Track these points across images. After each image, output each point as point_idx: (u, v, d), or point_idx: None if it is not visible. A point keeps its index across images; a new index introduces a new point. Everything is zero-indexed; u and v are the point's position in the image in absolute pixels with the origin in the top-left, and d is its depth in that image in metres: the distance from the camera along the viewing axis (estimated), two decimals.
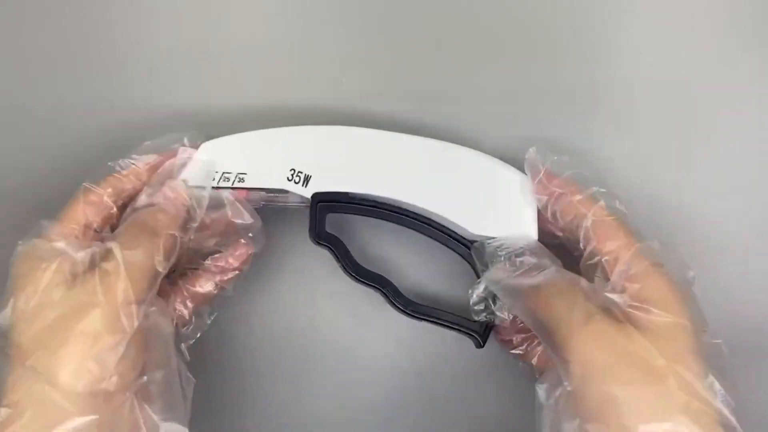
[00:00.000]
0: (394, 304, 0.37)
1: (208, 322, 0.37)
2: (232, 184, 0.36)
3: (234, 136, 0.37)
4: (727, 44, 0.41)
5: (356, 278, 0.37)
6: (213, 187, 0.36)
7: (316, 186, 0.36)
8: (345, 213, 0.37)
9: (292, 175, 0.36)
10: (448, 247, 0.37)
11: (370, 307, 0.41)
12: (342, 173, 0.36)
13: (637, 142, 0.41)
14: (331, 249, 0.36)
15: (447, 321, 0.37)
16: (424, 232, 0.37)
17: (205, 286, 0.36)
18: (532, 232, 0.35)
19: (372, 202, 0.36)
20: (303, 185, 0.36)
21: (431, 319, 0.37)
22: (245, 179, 0.36)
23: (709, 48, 0.41)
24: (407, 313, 0.37)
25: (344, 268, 0.37)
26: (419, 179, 0.36)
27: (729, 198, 0.40)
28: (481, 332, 0.36)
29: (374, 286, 0.37)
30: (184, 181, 0.35)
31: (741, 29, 0.41)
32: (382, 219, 0.37)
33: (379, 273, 0.38)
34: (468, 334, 0.36)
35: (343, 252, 0.37)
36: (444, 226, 0.36)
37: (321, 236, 0.36)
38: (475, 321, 0.36)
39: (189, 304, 0.36)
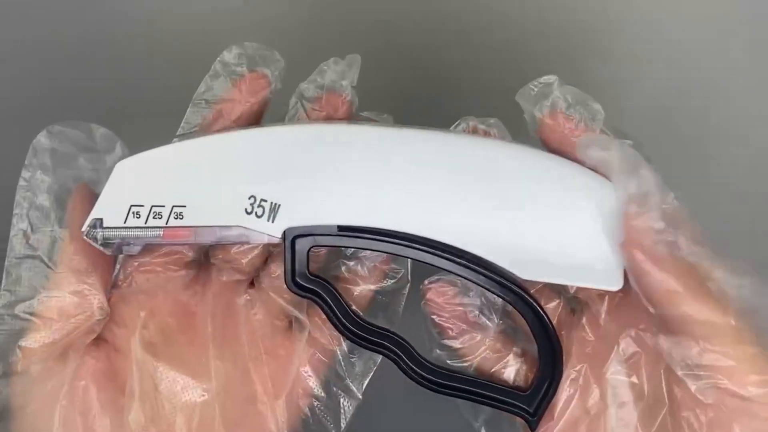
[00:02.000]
0: (409, 373, 0.26)
1: None
2: (167, 222, 0.24)
3: (164, 149, 0.25)
4: (727, 44, 0.41)
5: (355, 338, 0.26)
6: (134, 228, 0.24)
7: (288, 218, 0.25)
8: (337, 246, 0.26)
9: (252, 205, 0.24)
10: (489, 291, 0.25)
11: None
12: (325, 198, 0.25)
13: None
14: (316, 299, 0.25)
15: (485, 394, 0.26)
16: (453, 272, 0.25)
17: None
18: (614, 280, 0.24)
19: (378, 232, 0.25)
20: (269, 219, 0.24)
21: (463, 394, 0.26)
22: (184, 214, 0.24)
23: (709, 48, 0.41)
24: (428, 384, 0.26)
25: (338, 324, 0.26)
26: (440, 201, 0.25)
27: (728, 198, 0.40)
28: (534, 409, 0.25)
29: (381, 349, 0.26)
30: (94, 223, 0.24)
31: (741, 29, 0.41)
32: (392, 253, 0.25)
33: (386, 328, 0.26)
34: (516, 411, 0.26)
35: (335, 300, 0.26)
36: (488, 264, 0.25)
37: (302, 283, 0.25)
38: (524, 393, 0.26)
39: None
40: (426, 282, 0.27)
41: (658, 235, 0.23)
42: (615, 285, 0.24)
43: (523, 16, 0.42)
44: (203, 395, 0.25)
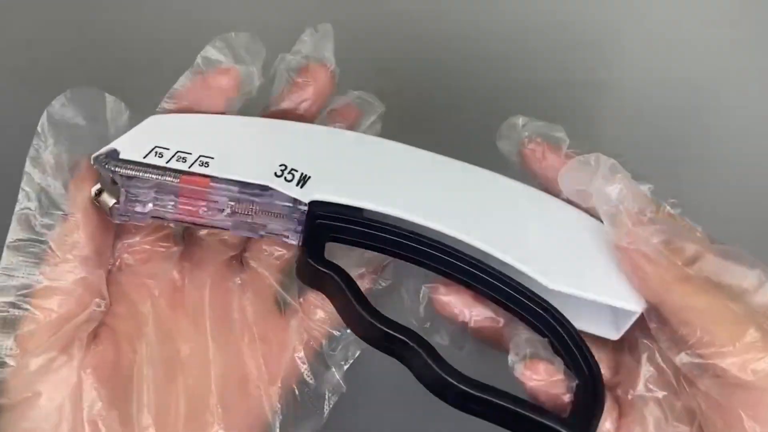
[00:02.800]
0: (430, 381, 0.21)
1: None
2: (190, 166, 0.23)
3: (202, 116, 0.24)
4: (726, 44, 0.41)
5: (368, 333, 0.22)
6: (151, 167, 0.23)
7: (317, 191, 0.23)
8: (356, 245, 0.24)
9: (283, 171, 0.23)
10: (517, 310, 0.24)
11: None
12: (357, 181, 0.24)
13: (637, 144, 0.41)
14: (333, 276, 0.22)
15: (523, 415, 0.21)
16: (477, 286, 0.24)
17: None
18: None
19: (406, 231, 0.24)
20: (298, 185, 0.23)
21: (495, 412, 0.21)
22: (210, 165, 0.23)
23: (708, 48, 0.41)
24: (454, 396, 0.21)
25: (349, 313, 0.22)
26: (470, 205, 0.24)
27: (728, 199, 0.40)
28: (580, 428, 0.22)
29: (397, 349, 0.22)
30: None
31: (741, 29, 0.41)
32: (412, 261, 0.24)
33: (405, 326, 0.22)
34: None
35: (350, 285, 0.22)
36: (515, 282, 0.24)
37: (320, 263, 0.23)
38: (566, 418, 0.22)
39: None
40: (516, 357, 0.24)
41: (650, 235, 0.23)
42: (637, 306, 0.23)
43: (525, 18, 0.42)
44: (203, 377, 0.25)
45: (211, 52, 0.24)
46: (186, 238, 0.27)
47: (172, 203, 0.24)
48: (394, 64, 0.41)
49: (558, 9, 0.41)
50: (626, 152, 0.40)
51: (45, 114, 0.23)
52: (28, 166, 0.23)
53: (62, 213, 0.23)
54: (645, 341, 0.24)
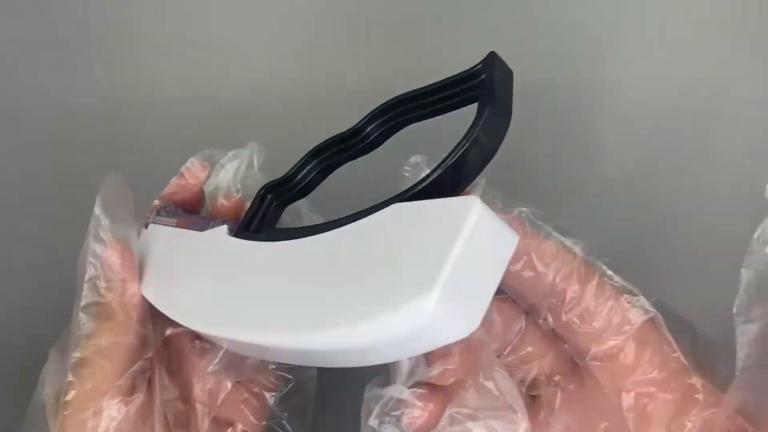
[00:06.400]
0: None
1: None
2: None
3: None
4: (727, 44, 0.41)
5: None
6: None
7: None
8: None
9: None
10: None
11: None
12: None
13: (638, 145, 0.41)
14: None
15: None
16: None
17: None
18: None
19: None
20: None
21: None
22: None
23: (709, 48, 0.41)
24: None
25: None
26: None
27: (729, 197, 0.40)
28: None
29: None
30: None
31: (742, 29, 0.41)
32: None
33: None
34: None
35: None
36: None
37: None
38: None
39: None
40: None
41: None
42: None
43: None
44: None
45: (190, 164, 0.32)
46: None
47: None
48: (387, 64, 0.42)
49: (558, 9, 0.42)
50: (626, 152, 0.40)
51: (99, 199, 0.29)
52: (91, 242, 0.28)
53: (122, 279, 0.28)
54: None
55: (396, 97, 0.25)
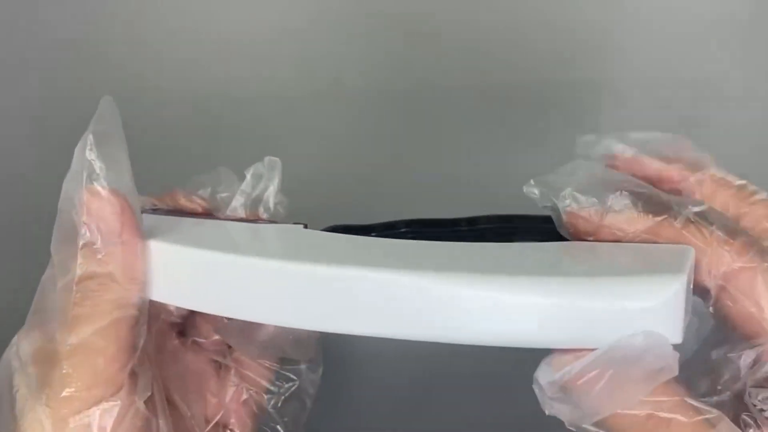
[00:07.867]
0: None
1: None
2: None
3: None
4: (727, 44, 0.41)
5: None
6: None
7: None
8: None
9: None
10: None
11: None
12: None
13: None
14: None
15: None
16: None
17: None
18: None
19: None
20: None
21: None
22: None
23: (709, 48, 0.41)
24: None
25: None
26: None
27: None
28: None
29: None
30: None
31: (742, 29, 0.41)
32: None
33: None
34: None
35: None
36: None
37: None
38: None
39: None
40: None
41: None
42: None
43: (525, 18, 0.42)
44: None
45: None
46: None
47: None
48: (394, 63, 0.42)
49: (558, 9, 0.42)
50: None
51: (90, 137, 0.23)
52: (85, 196, 0.23)
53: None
54: None
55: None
